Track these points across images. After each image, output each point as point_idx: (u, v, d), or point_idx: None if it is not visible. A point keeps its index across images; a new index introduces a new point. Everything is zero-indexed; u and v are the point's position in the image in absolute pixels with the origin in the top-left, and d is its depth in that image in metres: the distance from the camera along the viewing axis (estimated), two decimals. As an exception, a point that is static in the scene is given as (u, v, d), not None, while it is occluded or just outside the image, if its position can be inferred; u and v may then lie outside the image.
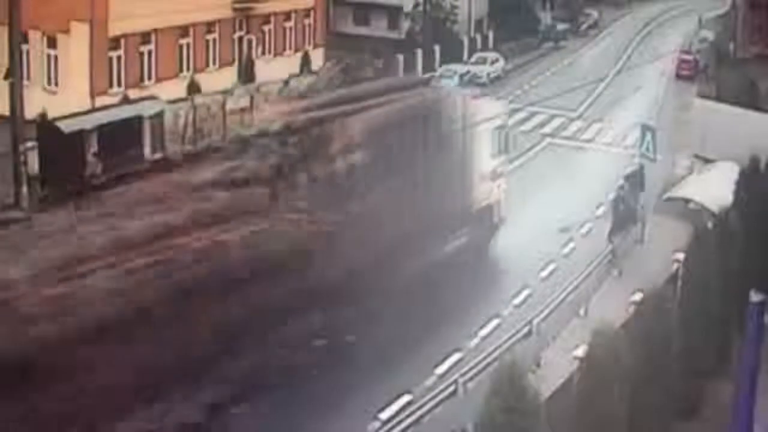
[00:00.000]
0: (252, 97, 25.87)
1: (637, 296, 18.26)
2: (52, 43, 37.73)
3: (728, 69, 48.90)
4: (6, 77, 29.70)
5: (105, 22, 37.36)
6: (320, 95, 20.14)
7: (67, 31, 37.23)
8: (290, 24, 49.17)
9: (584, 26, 73.60)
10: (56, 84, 37.81)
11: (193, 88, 39.54)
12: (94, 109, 34.08)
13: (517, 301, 24.83)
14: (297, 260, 16.81)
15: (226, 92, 37.32)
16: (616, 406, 14.59)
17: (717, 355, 18.68)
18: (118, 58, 38.54)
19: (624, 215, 27.70)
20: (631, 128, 38.19)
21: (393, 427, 18.72)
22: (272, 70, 43.41)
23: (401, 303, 18.28)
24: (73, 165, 29.62)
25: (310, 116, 18.42)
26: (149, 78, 39.94)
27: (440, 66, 53.62)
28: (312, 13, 50.87)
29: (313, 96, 20.11)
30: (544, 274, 26.57)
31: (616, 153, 38.83)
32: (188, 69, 41.88)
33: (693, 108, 38.17)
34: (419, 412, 19.05)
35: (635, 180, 28.76)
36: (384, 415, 18.94)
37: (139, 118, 33.22)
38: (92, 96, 36.85)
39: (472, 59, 56.28)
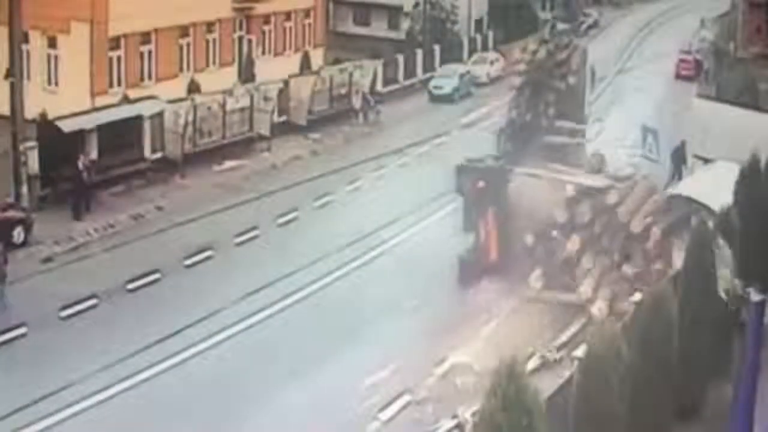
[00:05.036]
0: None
1: (637, 296, 18.27)
2: (52, 43, 37.77)
3: (728, 69, 48.88)
4: (6, 77, 29.76)
5: (105, 22, 37.38)
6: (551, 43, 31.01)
7: (67, 31, 37.25)
8: (290, 24, 49.20)
9: (584, 26, 73.58)
10: (56, 84, 37.83)
11: (193, 88, 39.56)
12: (94, 109, 34.12)
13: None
14: None
15: (226, 92, 37.42)
16: (616, 406, 14.58)
17: (717, 355, 18.65)
18: (118, 58, 38.56)
19: None
20: (631, 128, 38.17)
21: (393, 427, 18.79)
22: (272, 70, 43.44)
23: None
24: (73, 165, 29.68)
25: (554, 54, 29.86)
26: (149, 78, 39.97)
27: (440, 66, 53.69)
28: (312, 13, 50.89)
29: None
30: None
31: (616, 153, 38.72)
32: (188, 69, 41.90)
33: (693, 108, 38.09)
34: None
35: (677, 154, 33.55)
36: (384, 415, 19.01)
37: (139, 118, 33.28)
38: (92, 96, 36.87)
39: (472, 59, 56.31)
